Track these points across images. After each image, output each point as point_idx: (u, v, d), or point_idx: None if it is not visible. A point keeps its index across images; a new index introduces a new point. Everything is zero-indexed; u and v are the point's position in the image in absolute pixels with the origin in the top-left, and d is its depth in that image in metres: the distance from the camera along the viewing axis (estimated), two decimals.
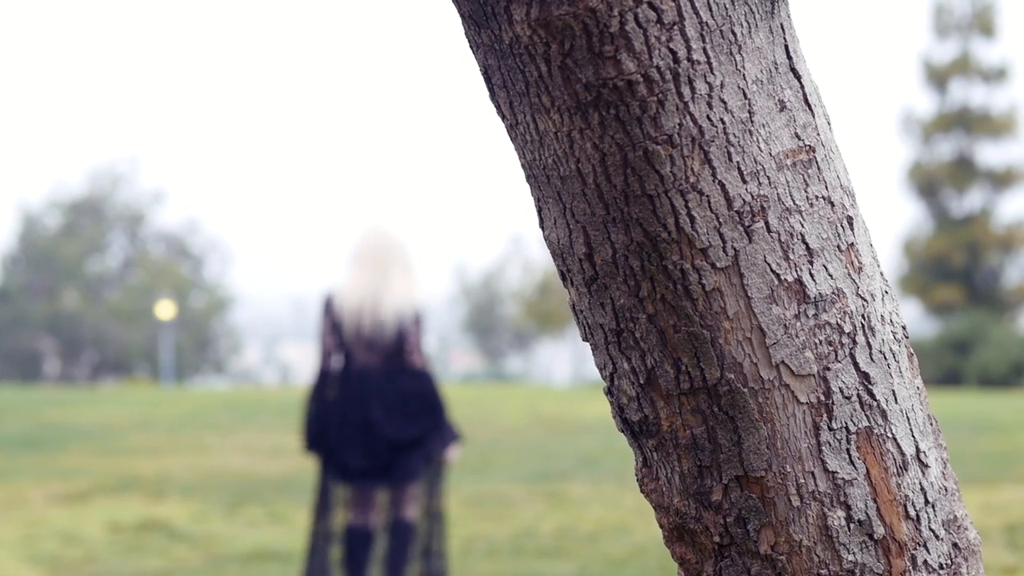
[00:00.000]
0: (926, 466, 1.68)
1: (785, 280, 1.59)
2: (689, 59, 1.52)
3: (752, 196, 1.56)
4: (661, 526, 1.73)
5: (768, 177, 1.57)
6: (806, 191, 1.60)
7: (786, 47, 1.62)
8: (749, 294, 1.58)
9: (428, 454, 6.81)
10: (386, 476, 6.77)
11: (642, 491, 1.73)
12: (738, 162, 1.55)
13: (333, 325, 6.74)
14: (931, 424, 1.72)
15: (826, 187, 1.62)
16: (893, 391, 1.66)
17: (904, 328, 1.72)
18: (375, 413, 6.69)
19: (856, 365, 1.63)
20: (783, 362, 1.60)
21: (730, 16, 1.54)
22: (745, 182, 1.56)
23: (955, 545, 1.70)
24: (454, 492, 11.63)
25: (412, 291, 6.76)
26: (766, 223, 1.57)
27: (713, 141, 1.54)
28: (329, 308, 6.77)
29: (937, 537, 1.68)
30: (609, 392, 1.70)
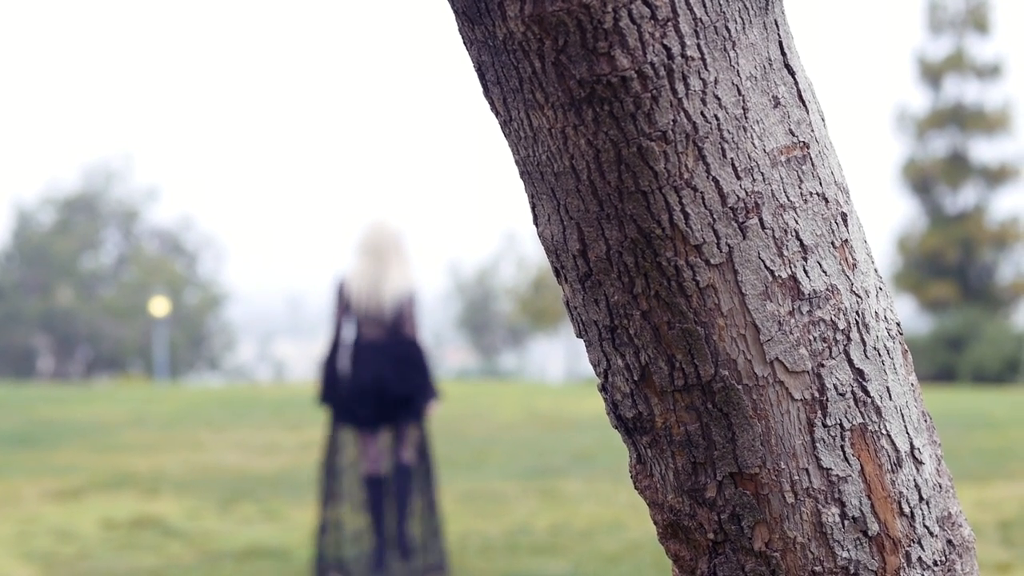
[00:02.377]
0: (920, 463, 1.68)
1: (779, 277, 1.59)
2: (683, 55, 1.52)
3: (746, 192, 1.56)
4: (655, 523, 1.73)
5: (762, 173, 1.57)
6: (800, 187, 1.60)
7: (780, 43, 1.61)
8: (743, 291, 1.58)
9: (416, 411, 8.31)
10: (389, 420, 8.26)
11: (636, 488, 1.73)
12: (732, 158, 1.55)
13: (345, 305, 8.19)
14: (925, 421, 1.72)
15: (820, 183, 1.62)
16: (887, 388, 1.66)
17: (898, 325, 1.72)
18: (380, 374, 8.15)
19: (850, 362, 1.63)
20: (777, 359, 1.60)
21: (724, 12, 1.54)
22: (739, 178, 1.56)
23: (949, 542, 1.70)
24: (448, 489, 11.64)
25: (407, 277, 8.17)
26: (760, 220, 1.57)
27: (707, 137, 1.54)
28: (341, 291, 8.20)
29: (931, 534, 1.68)
30: (603, 388, 1.70)
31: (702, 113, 1.53)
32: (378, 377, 8.15)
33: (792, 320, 1.60)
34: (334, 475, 8.47)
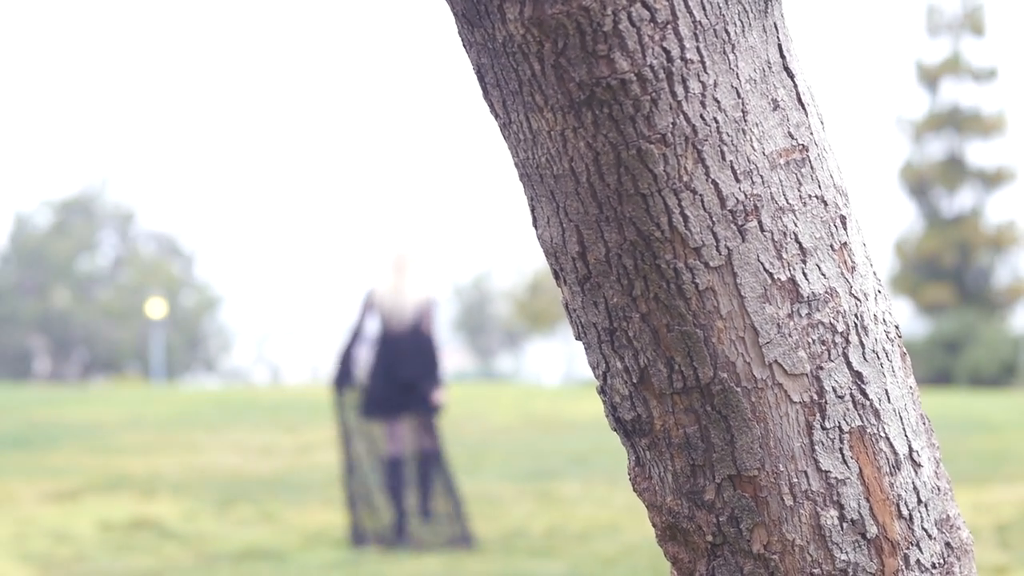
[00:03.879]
0: (919, 465, 1.68)
1: (778, 279, 1.59)
2: (683, 58, 1.52)
3: (745, 195, 1.56)
4: (654, 525, 1.73)
5: (761, 176, 1.57)
6: (799, 190, 1.60)
7: (779, 46, 1.61)
8: (742, 293, 1.58)
9: (424, 397, 9.87)
10: (412, 406, 9.87)
11: (635, 490, 1.73)
12: (731, 161, 1.55)
13: (371, 308, 9.96)
14: (923, 423, 1.72)
15: (819, 186, 1.62)
16: (886, 390, 1.66)
17: (897, 327, 1.72)
18: (402, 363, 9.86)
19: (849, 364, 1.63)
20: (776, 361, 1.60)
21: (723, 15, 1.54)
22: (738, 181, 1.56)
23: (948, 544, 1.70)
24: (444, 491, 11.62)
25: (423, 289, 10.06)
26: (759, 222, 1.57)
27: (706, 140, 1.54)
28: (369, 299, 10.04)
29: (930, 536, 1.68)
30: (602, 391, 1.70)
31: (701, 116, 1.53)
32: (399, 365, 9.83)
33: (791, 323, 1.60)
34: (353, 464, 9.98)
